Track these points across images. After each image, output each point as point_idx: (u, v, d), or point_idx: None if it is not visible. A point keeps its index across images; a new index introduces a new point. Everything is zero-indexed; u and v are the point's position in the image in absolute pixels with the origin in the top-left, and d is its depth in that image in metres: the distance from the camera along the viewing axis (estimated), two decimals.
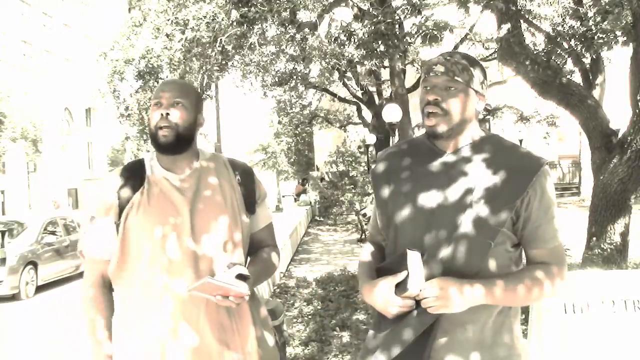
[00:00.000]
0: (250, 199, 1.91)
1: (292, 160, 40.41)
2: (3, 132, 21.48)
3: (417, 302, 1.52)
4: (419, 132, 15.54)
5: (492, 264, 1.55)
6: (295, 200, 34.32)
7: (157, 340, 1.74)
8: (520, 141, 22.60)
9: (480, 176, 1.56)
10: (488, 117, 18.78)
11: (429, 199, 1.59)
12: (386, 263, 1.65)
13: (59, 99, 33.25)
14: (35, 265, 9.98)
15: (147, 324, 1.76)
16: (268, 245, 1.99)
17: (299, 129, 23.79)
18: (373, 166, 1.78)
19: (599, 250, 5.53)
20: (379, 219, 1.72)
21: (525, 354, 1.64)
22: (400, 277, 1.51)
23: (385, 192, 1.68)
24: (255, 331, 1.84)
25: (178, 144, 1.81)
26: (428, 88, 1.59)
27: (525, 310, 4.11)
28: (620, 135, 5.75)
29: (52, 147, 30.82)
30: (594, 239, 5.67)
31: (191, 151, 1.87)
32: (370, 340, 1.63)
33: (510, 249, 1.58)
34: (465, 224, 1.53)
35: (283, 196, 34.38)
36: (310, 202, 24.20)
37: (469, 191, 1.55)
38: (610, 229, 5.58)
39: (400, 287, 1.51)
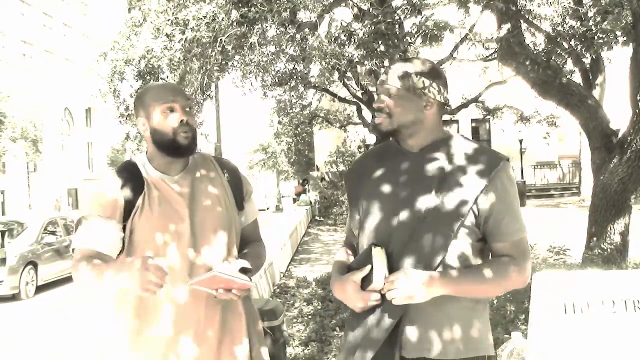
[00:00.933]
0: (239, 196, 1.95)
1: (292, 160, 40.35)
2: (3, 132, 21.48)
3: (384, 297, 1.59)
4: None
5: (457, 258, 1.62)
6: (295, 200, 34.30)
7: (157, 349, 1.74)
8: (521, 141, 22.62)
9: (442, 172, 1.67)
10: (488, 117, 18.77)
11: (395, 196, 1.69)
12: (354, 261, 1.73)
13: (59, 99, 33.25)
14: (35, 265, 9.98)
15: (147, 333, 1.75)
16: (254, 240, 2.02)
17: (299, 129, 23.70)
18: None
19: (599, 250, 5.53)
20: (351, 221, 1.82)
21: (491, 348, 1.69)
22: (365, 271, 1.60)
23: (356, 193, 1.80)
24: (255, 334, 1.86)
25: (194, 146, 1.87)
26: (377, 98, 1.77)
27: (525, 310, 4.11)
28: (620, 135, 5.75)
29: (52, 147, 30.83)
30: (594, 239, 5.67)
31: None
32: (345, 341, 1.70)
33: (475, 243, 1.65)
34: (428, 218, 1.62)
35: (283, 196, 34.35)
36: (310, 202, 24.20)
37: (432, 187, 1.65)
38: (610, 229, 5.59)
39: (366, 281, 1.60)
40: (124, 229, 1.79)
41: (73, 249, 1.81)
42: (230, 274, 1.65)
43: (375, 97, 1.80)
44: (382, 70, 1.81)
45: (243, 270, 1.71)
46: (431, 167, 1.69)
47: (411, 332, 1.62)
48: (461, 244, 1.63)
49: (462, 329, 1.62)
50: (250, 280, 1.74)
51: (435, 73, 1.73)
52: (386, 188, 1.72)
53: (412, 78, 1.71)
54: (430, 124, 1.73)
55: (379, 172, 1.77)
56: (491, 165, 1.64)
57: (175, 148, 1.83)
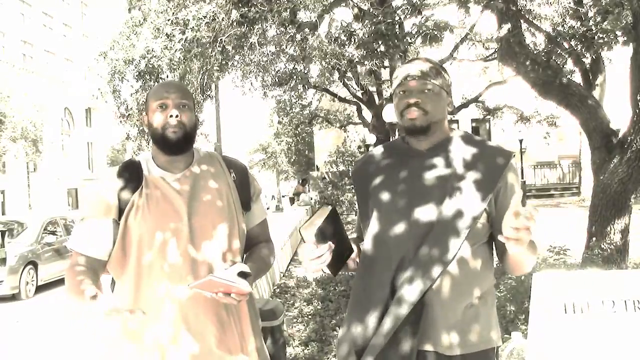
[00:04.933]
0: (246, 196, 1.93)
1: (292, 160, 40.35)
2: (3, 132, 21.50)
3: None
4: None
5: (476, 255, 1.64)
6: (293, 200, 34.24)
7: (157, 347, 1.73)
8: (521, 141, 22.60)
9: (455, 171, 1.68)
10: (488, 117, 18.77)
11: (410, 195, 1.68)
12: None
13: (59, 99, 33.26)
14: (35, 265, 9.98)
15: (147, 330, 1.74)
16: (263, 240, 2.00)
17: (299, 129, 23.71)
18: (353, 170, 1.90)
19: (599, 250, 5.52)
20: (360, 218, 1.81)
21: (500, 340, 1.71)
22: (309, 222, 1.60)
23: (365, 193, 1.79)
24: (254, 334, 1.85)
25: (186, 142, 1.85)
26: (406, 92, 1.71)
27: (525, 310, 4.11)
28: (620, 135, 5.75)
29: (52, 147, 30.84)
30: (594, 239, 5.67)
31: (189, 151, 1.90)
32: (342, 337, 1.70)
33: (479, 245, 1.67)
34: (443, 216, 1.62)
35: (283, 196, 34.32)
36: (310, 202, 24.18)
37: (445, 186, 1.66)
38: (610, 229, 5.58)
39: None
40: (118, 226, 1.79)
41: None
42: (227, 278, 1.64)
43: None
44: (409, 66, 1.73)
45: (243, 275, 1.69)
46: (444, 166, 1.70)
47: (427, 325, 1.61)
48: (480, 241, 1.66)
49: (473, 324, 1.63)
50: (251, 284, 1.73)
51: (449, 75, 1.77)
52: (401, 188, 1.71)
53: (443, 75, 1.73)
54: (446, 122, 1.77)
55: (391, 172, 1.76)
56: (501, 163, 1.68)
57: (164, 143, 1.83)
